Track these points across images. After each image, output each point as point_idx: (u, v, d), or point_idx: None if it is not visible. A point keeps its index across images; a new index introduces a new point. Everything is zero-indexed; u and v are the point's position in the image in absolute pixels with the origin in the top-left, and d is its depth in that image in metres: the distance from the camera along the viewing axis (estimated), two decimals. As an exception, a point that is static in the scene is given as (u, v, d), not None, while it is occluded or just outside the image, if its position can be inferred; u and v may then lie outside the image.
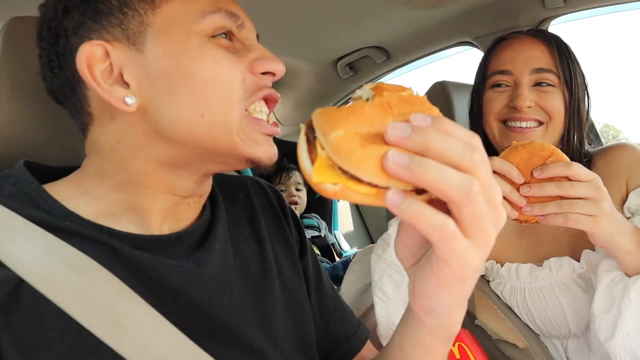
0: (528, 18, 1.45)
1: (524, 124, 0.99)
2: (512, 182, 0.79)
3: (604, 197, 0.77)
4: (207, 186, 0.65)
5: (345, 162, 0.35)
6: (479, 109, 1.08)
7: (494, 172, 0.78)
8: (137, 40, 0.55)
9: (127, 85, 0.55)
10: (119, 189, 0.57)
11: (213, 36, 0.57)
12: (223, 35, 0.58)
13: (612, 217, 0.78)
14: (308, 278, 0.74)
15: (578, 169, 0.76)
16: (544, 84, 1.00)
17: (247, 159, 0.58)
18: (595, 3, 1.34)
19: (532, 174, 0.79)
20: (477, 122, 1.10)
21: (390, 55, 1.92)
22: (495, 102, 1.03)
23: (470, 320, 1.02)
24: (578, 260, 0.96)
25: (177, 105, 0.54)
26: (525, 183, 0.79)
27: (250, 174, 2.03)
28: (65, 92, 0.58)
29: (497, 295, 1.04)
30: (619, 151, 1.02)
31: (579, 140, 1.03)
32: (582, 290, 0.94)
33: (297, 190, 2.19)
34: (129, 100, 0.54)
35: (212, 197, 0.68)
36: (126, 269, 0.53)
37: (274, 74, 0.60)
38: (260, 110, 0.60)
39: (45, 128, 0.58)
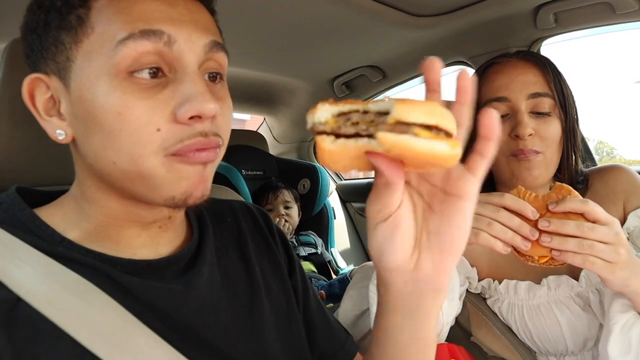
0: (521, 38, 1.47)
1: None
2: (526, 220, 0.76)
3: (622, 244, 0.74)
4: (173, 210, 0.61)
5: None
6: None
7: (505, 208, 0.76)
8: (65, 75, 0.52)
9: (64, 117, 0.54)
10: (89, 217, 0.57)
11: (133, 72, 0.50)
12: (148, 71, 0.50)
13: (628, 264, 0.75)
14: (297, 295, 0.74)
15: (595, 207, 0.74)
16: (542, 114, 0.98)
17: (163, 203, 0.53)
18: (587, 24, 1.36)
19: (547, 208, 0.76)
20: None
21: (386, 75, 1.95)
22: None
23: (465, 337, 1.02)
24: (576, 279, 0.96)
25: (93, 148, 0.53)
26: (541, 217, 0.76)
27: (249, 193, 2.03)
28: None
29: (494, 313, 1.04)
30: (616, 173, 1.03)
31: (575, 162, 1.03)
32: (580, 308, 0.94)
33: (287, 208, 2.16)
34: (58, 133, 0.55)
35: (200, 221, 0.69)
36: (118, 292, 0.53)
37: (203, 117, 0.51)
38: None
39: (45, 147, 0.58)
